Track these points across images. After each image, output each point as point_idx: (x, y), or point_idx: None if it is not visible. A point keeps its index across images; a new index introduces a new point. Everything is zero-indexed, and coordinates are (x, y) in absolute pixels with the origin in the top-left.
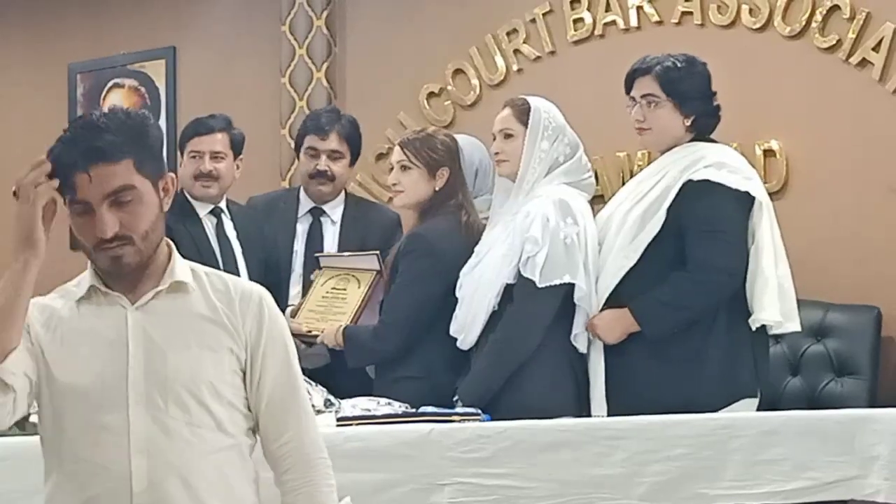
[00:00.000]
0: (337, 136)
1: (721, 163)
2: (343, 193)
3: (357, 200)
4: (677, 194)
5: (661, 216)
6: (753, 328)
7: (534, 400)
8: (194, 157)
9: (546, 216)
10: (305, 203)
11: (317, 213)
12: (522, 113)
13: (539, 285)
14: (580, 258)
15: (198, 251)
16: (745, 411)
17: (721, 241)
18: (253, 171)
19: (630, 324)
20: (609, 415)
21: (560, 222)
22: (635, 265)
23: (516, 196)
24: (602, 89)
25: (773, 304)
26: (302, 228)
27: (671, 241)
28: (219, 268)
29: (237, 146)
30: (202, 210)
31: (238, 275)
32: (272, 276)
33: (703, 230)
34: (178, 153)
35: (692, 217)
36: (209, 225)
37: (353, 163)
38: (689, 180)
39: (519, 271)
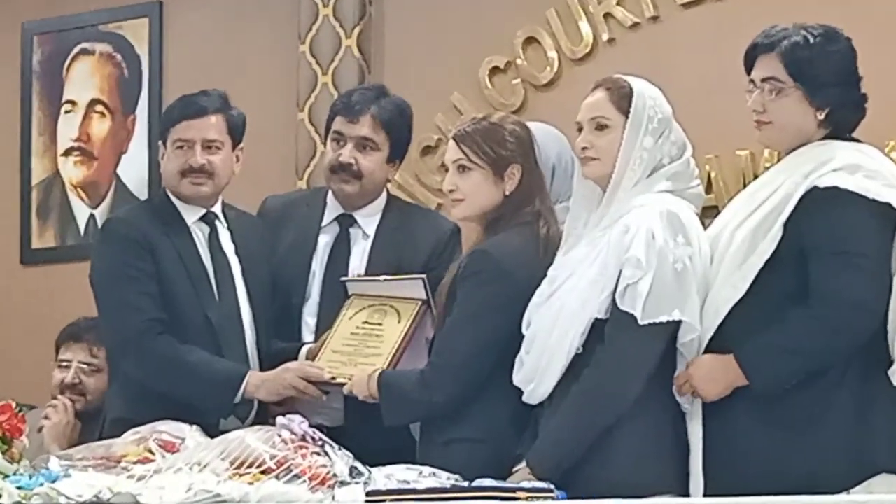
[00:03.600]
0: (371, 119)
1: (856, 165)
2: (384, 198)
3: (401, 206)
4: (798, 205)
5: (776, 234)
6: (895, 382)
7: (624, 472)
8: (181, 146)
9: (651, 232)
10: (333, 208)
11: (346, 221)
12: (622, 98)
13: (641, 322)
14: (694, 289)
15: (185, 269)
16: (884, 491)
17: (853, 267)
18: (260, 167)
19: (736, 375)
20: (706, 493)
21: (670, 241)
22: (744, 297)
23: (608, 205)
24: (720, 67)
25: None
26: (325, 241)
27: (790, 265)
28: (210, 289)
29: (236, 131)
30: (191, 216)
31: (236, 299)
32: (281, 304)
33: (830, 252)
34: (161, 142)
35: (816, 234)
36: (200, 235)
37: (393, 158)
38: (814, 187)
39: (614, 303)
